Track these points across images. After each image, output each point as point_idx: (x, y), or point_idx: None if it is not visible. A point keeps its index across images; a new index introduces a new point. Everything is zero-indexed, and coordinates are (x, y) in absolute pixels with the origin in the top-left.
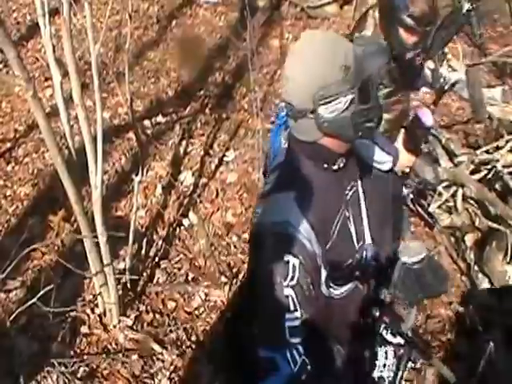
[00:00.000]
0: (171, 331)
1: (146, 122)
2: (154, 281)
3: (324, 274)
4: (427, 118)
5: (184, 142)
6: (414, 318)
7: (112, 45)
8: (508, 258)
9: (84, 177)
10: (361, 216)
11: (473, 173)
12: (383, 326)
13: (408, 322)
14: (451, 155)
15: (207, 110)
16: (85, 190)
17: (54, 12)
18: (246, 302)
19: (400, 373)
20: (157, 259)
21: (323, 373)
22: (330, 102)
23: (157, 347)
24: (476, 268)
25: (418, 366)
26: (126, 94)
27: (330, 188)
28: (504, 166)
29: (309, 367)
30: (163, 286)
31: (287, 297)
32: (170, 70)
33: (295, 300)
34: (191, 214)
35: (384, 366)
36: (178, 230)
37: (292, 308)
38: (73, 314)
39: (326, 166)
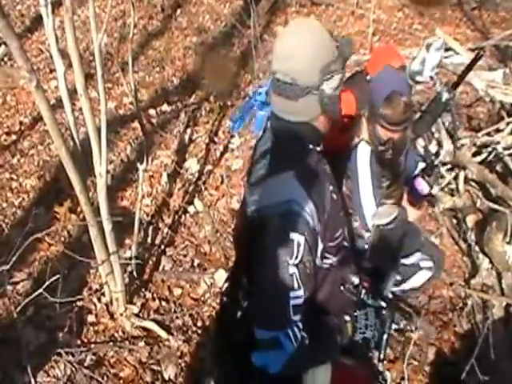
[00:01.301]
0: (177, 317)
1: (151, 111)
2: (160, 268)
3: (321, 247)
4: (423, 187)
5: (189, 130)
6: (394, 279)
7: (117, 35)
8: (508, 238)
9: (90, 167)
10: (340, 187)
11: (474, 155)
12: (364, 291)
13: (387, 285)
14: (453, 138)
15: (212, 98)
16: (90, 181)
17: (59, 4)
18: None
19: (385, 335)
20: (162, 247)
21: (315, 344)
22: (330, 78)
23: (163, 334)
24: (477, 249)
25: (402, 326)
26: (130, 83)
27: (317, 167)
28: (505, 148)
29: (306, 341)
30: (169, 273)
31: (292, 275)
32: (175, 58)
33: (298, 278)
34: (196, 201)
35: (366, 326)
36: (183, 217)
37: (296, 286)
38: (79, 303)
39: (311, 146)
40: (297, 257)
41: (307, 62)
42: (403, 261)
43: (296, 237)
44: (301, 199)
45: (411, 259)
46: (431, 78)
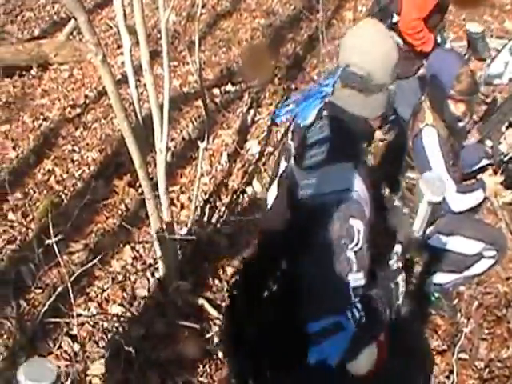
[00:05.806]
0: None
1: (215, 91)
2: (215, 247)
3: None
4: None
5: (252, 111)
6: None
7: (185, 14)
8: None
9: (151, 143)
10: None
11: None
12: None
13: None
14: None
15: (276, 80)
16: (151, 157)
17: None
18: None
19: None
20: (218, 225)
21: (372, 320)
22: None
23: (214, 312)
24: None
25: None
26: (195, 62)
27: (365, 165)
28: None
29: (363, 320)
30: (224, 252)
31: (349, 258)
32: (242, 40)
33: (355, 262)
34: (255, 183)
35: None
36: (241, 197)
37: (354, 269)
38: (133, 277)
39: (363, 145)
40: (357, 243)
41: (383, 59)
42: (463, 250)
43: (356, 223)
44: (359, 188)
45: (473, 249)
46: (510, 79)
